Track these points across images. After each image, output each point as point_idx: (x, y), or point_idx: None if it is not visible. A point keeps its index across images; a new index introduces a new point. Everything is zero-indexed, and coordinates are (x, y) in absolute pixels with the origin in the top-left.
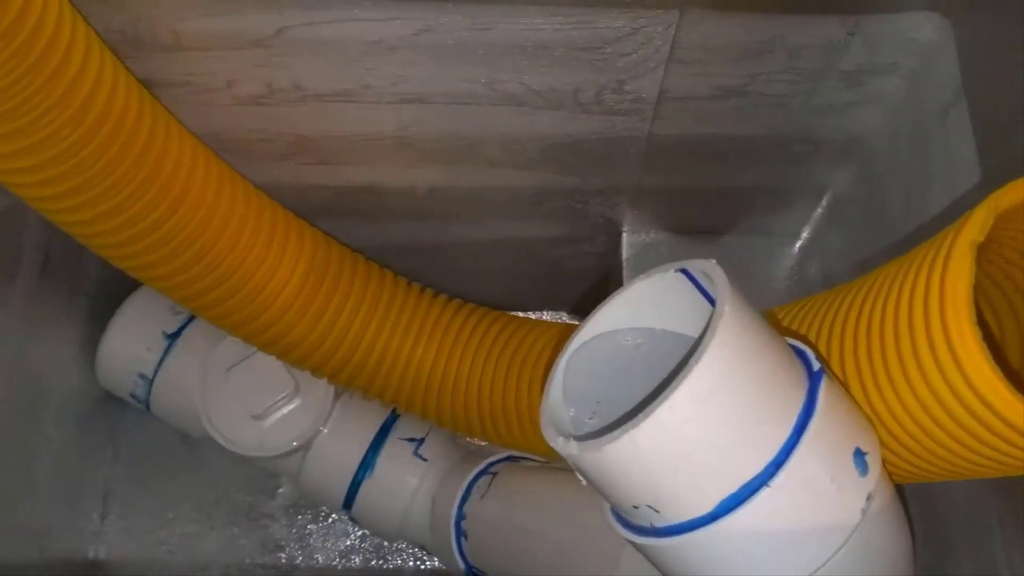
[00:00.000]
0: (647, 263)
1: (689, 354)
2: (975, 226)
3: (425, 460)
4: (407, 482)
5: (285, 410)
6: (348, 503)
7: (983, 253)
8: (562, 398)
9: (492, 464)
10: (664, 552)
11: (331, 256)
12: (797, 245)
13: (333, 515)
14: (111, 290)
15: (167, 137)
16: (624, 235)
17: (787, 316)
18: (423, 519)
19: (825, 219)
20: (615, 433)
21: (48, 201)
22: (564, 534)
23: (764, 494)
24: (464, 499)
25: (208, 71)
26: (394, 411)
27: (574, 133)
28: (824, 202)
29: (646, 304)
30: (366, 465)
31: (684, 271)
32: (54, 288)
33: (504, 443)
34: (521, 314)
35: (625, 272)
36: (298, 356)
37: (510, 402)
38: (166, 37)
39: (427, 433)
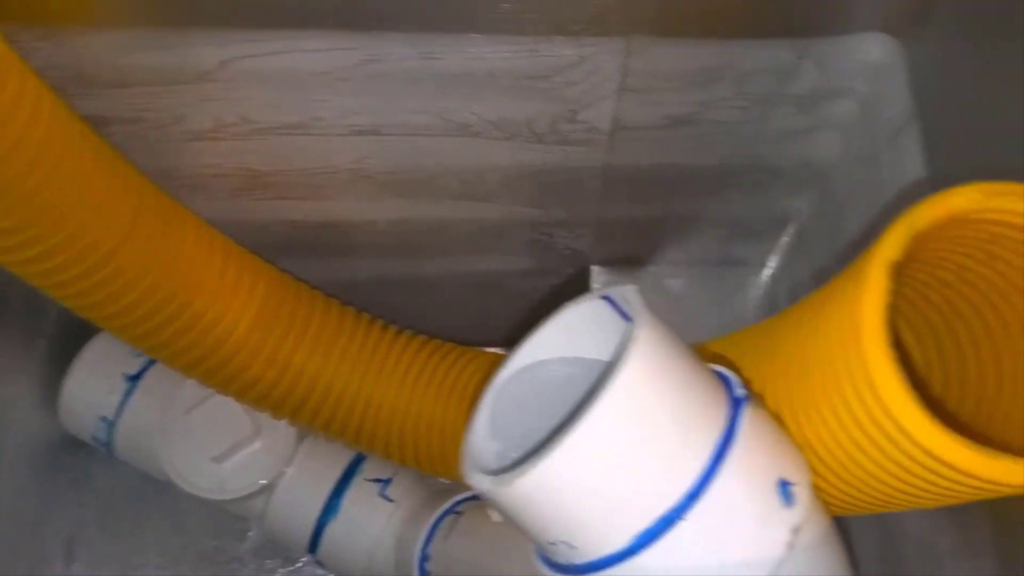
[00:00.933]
0: None
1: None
2: (889, 246)
3: (392, 501)
4: (373, 523)
5: (246, 452)
6: (313, 546)
7: (915, 275)
8: (488, 432)
9: (459, 503)
10: None
11: (286, 294)
12: (766, 274)
13: (303, 559)
14: (72, 332)
15: (112, 174)
16: (592, 268)
17: (723, 347)
18: (389, 561)
19: (792, 248)
20: (524, 466)
21: None
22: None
23: (681, 527)
24: (429, 539)
25: (156, 107)
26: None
27: (531, 164)
28: (789, 230)
29: (574, 333)
30: (331, 507)
31: (607, 298)
32: (12, 330)
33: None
34: (495, 350)
35: None
36: (254, 398)
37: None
38: (109, 74)
39: (395, 473)
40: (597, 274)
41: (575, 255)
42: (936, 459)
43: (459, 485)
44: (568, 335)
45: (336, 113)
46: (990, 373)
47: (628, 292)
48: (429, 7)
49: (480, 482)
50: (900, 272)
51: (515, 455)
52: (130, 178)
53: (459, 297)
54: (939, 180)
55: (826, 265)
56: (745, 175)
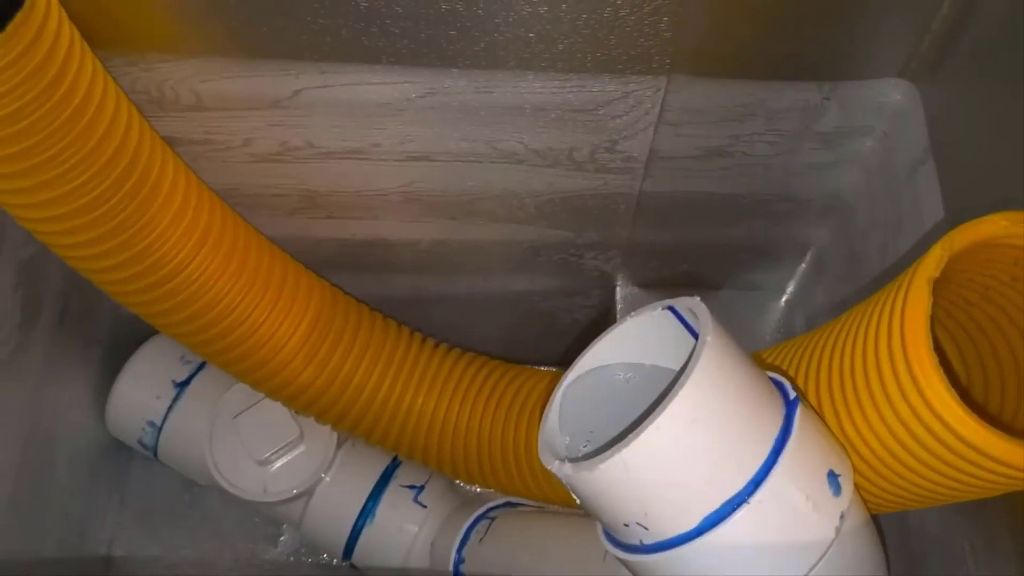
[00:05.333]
0: None
1: (676, 382)
2: (931, 263)
3: (425, 507)
4: (407, 529)
5: (289, 456)
6: (349, 551)
7: (944, 295)
8: (558, 427)
9: (491, 509)
10: (652, 568)
11: (337, 306)
12: (783, 300)
13: (335, 563)
14: (124, 339)
15: (187, 190)
16: (618, 288)
17: (770, 355)
18: (423, 565)
19: (809, 274)
20: (607, 453)
21: (74, 248)
22: (561, 573)
23: (744, 510)
24: (463, 543)
25: (227, 130)
26: (395, 458)
27: (569, 190)
28: (808, 258)
29: (636, 340)
30: (366, 512)
31: (671, 308)
32: (70, 336)
33: (502, 487)
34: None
35: None
36: (303, 403)
37: (508, 447)
38: (188, 98)
39: (427, 480)
40: (622, 295)
41: (602, 277)
42: (974, 449)
43: (488, 493)
44: (630, 341)
45: (393, 140)
46: (1010, 382)
47: (694, 303)
48: (491, 49)
49: (562, 469)
50: (941, 292)
51: (584, 447)
52: (203, 195)
53: (488, 314)
54: (953, 214)
55: (842, 291)
56: (770, 205)
